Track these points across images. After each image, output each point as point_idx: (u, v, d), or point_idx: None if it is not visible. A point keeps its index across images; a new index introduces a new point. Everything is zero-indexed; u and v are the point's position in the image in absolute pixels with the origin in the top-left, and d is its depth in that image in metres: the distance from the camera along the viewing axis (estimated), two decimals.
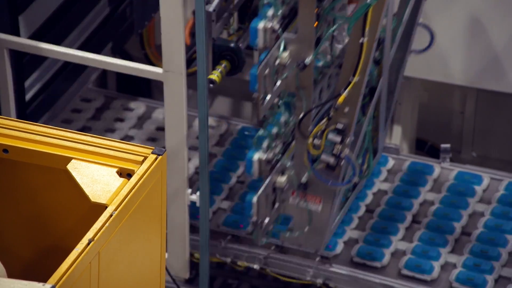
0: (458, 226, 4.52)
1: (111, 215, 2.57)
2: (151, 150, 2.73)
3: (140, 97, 5.26)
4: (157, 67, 4.07)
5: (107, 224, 2.55)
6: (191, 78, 4.19)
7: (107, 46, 4.71)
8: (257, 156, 3.82)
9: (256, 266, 4.44)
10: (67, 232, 2.78)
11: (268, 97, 3.74)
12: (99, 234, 2.53)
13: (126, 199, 2.62)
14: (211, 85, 3.93)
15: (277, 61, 3.76)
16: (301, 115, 3.78)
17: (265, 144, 3.84)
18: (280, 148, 3.89)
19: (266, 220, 3.94)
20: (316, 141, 3.78)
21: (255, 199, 3.84)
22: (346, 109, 3.74)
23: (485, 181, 4.70)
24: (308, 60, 3.68)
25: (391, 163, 4.82)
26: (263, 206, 3.89)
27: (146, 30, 5.16)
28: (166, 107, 4.02)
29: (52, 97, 4.43)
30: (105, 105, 5.16)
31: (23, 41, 4.07)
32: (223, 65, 4.02)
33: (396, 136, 5.29)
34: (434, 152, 5.35)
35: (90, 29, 4.58)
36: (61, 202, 2.75)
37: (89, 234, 2.52)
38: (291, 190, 3.92)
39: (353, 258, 4.40)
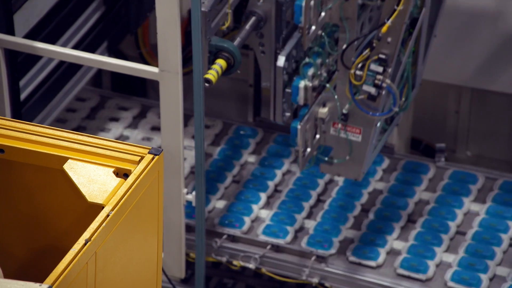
0: (453, 225, 4.52)
1: (108, 215, 2.57)
2: (148, 150, 2.72)
3: (135, 96, 5.26)
4: (152, 66, 4.07)
5: (103, 224, 2.54)
6: (186, 77, 4.19)
7: (102, 45, 4.70)
8: (303, 83, 3.97)
9: (251, 266, 4.44)
10: (63, 232, 2.77)
11: (313, 28, 3.88)
12: (95, 234, 2.52)
13: (123, 199, 2.61)
14: (207, 84, 3.92)
15: None
16: (344, 46, 3.91)
17: (310, 72, 3.99)
18: (325, 77, 4.06)
19: (308, 150, 4.08)
20: (358, 72, 3.92)
21: (299, 126, 3.99)
22: (389, 39, 3.86)
23: (480, 181, 4.71)
24: None
25: (386, 162, 4.83)
26: (304, 136, 4.06)
27: (141, 29, 5.15)
28: (162, 107, 4.01)
29: (46, 96, 4.42)
30: (100, 104, 5.15)
31: (18, 40, 4.06)
32: (218, 65, 4.01)
33: (391, 136, 5.29)
34: (429, 151, 5.35)
35: (85, 28, 4.57)
36: (57, 202, 2.74)
37: (86, 234, 2.51)
38: (332, 121, 4.06)
39: (349, 257, 4.40)
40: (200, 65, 3.87)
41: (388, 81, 3.91)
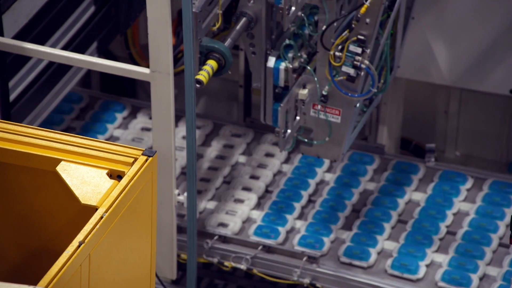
0: (443, 225, 4.54)
1: (101, 217, 2.56)
2: (142, 152, 2.72)
3: (125, 97, 5.24)
4: (142, 66, 4.06)
5: (97, 226, 2.54)
6: (176, 78, 4.18)
7: (92, 46, 4.68)
8: (283, 65, 4.00)
9: (243, 267, 4.44)
10: (56, 234, 2.77)
11: (293, 9, 3.90)
12: (89, 236, 2.51)
13: (117, 201, 2.61)
14: (198, 85, 3.92)
15: None
16: (324, 27, 3.92)
17: (290, 54, 4.02)
18: (305, 59, 4.08)
19: (289, 131, 4.11)
20: (338, 53, 3.94)
21: (280, 108, 4.01)
22: (367, 20, 3.89)
23: (470, 181, 4.73)
24: None
25: (377, 162, 4.84)
26: (284, 117, 4.09)
27: (130, 30, 5.14)
28: (153, 108, 4.01)
29: (36, 97, 4.40)
30: (89, 105, 5.13)
31: (7, 41, 4.04)
32: (209, 66, 4.01)
33: (381, 136, 5.30)
34: (419, 151, 5.37)
35: (74, 29, 4.56)
36: (50, 204, 2.73)
37: (80, 237, 2.50)
38: (312, 102, 4.08)
39: (340, 258, 4.41)
40: (192, 66, 3.87)
41: (366, 62, 3.94)
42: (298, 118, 4.14)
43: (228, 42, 4.07)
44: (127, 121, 5.06)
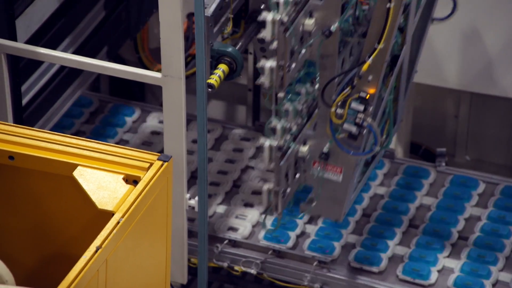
0: (455, 230, 4.53)
1: (118, 222, 2.56)
2: (157, 157, 2.72)
3: (134, 101, 5.24)
4: (151, 70, 4.06)
5: (114, 231, 2.54)
6: (186, 81, 4.17)
7: (102, 50, 4.69)
8: (268, 142, 3.84)
9: (253, 271, 4.43)
10: (71, 239, 2.76)
11: (293, 65, 3.75)
12: (106, 241, 2.51)
13: (133, 206, 2.61)
14: (210, 89, 3.91)
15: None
16: (325, 84, 3.79)
17: (278, 130, 3.84)
18: (291, 137, 3.93)
19: (288, 190, 3.97)
20: (339, 110, 3.80)
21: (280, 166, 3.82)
22: (370, 77, 3.76)
23: (481, 186, 4.72)
24: (333, 27, 3.69)
25: (387, 166, 4.83)
26: (284, 175, 3.91)
27: (140, 34, 5.14)
28: (165, 112, 4.00)
29: (48, 101, 4.41)
30: (99, 109, 5.13)
31: (20, 46, 4.05)
32: (221, 70, 4.00)
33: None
34: (429, 156, 5.36)
35: (85, 33, 4.56)
36: (66, 209, 2.73)
37: (97, 242, 2.50)
38: (312, 160, 3.95)
39: (351, 262, 4.40)
40: (204, 70, 3.86)
41: (369, 119, 3.79)
42: (298, 175, 3.98)
43: (239, 46, 4.07)
44: (137, 125, 5.06)
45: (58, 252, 2.77)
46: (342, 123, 3.82)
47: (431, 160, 4.94)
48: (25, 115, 4.25)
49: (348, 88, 3.80)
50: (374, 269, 4.37)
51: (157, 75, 3.97)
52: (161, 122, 5.03)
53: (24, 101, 4.24)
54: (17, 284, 2.58)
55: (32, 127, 2.80)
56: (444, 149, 4.83)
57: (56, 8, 4.36)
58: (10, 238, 2.79)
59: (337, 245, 4.46)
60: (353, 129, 3.81)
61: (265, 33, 3.62)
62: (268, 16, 3.61)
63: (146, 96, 5.65)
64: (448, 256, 4.42)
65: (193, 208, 4.15)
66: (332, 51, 3.75)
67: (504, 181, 4.74)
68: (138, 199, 2.62)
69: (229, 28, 4.07)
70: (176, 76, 3.93)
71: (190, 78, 4.54)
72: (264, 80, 3.70)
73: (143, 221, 2.65)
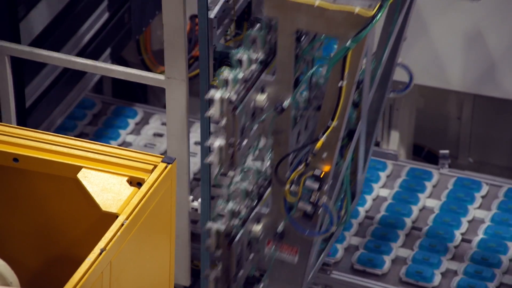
0: (458, 233, 4.52)
1: (122, 224, 2.56)
2: (161, 159, 2.72)
3: (137, 103, 5.24)
4: (154, 72, 4.05)
5: (118, 233, 2.54)
6: (189, 83, 4.17)
7: (105, 52, 4.69)
8: (215, 226, 3.67)
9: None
10: (75, 241, 2.76)
11: (245, 142, 3.58)
12: (110, 243, 2.51)
13: (137, 208, 2.61)
14: None
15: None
16: (278, 160, 3.57)
17: (226, 214, 3.67)
18: (239, 222, 3.71)
19: (241, 272, 3.79)
20: (293, 188, 3.57)
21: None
22: (325, 155, 3.53)
23: (485, 188, 4.71)
24: (286, 103, 3.51)
25: (390, 169, 4.83)
26: (236, 255, 3.70)
27: (142, 36, 5.14)
28: (168, 114, 4.00)
29: (51, 103, 4.41)
30: (102, 111, 5.13)
31: (24, 48, 4.05)
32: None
33: (393, 142, 5.29)
34: (432, 158, 5.36)
35: (89, 35, 4.56)
36: (70, 211, 2.73)
37: (101, 244, 2.50)
38: (266, 239, 3.72)
39: (354, 265, 4.39)
40: (207, 73, 3.86)
41: (325, 198, 3.57)
42: (251, 256, 3.77)
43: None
44: (139, 127, 5.06)
45: (62, 254, 2.77)
46: (297, 201, 3.60)
47: (434, 162, 4.94)
48: (29, 117, 4.25)
49: (302, 165, 3.57)
50: (377, 271, 4.37)
51: (160, 77, 3.97)
52: (163, 124, 5.03)
53: (28, 103, 4.24)
54: (22, 286, 2.58)
55: (36, 129, 2.79)
56: (447, 151, 4.83)
57: (59, 10, 4.36)
58: (14, 240, 2.79)
59: (340, 247, 4.45)
60: (308, 208, 3.58)
61: (213, 111, 3.47)
62: (216, 94, 3.47)
63: (149, 98, 5.65)
64: (451, 259, 4.42)
65: (196, 210, 4.15)
66: (285, 127, 3.55)
67: (508, 183, 4.73)
68: (142, 201, 2.62)
69: (232, 30, 4.07)
70: (179, 78, 3.93)
71: (193, 80, 4.54)
72: (212, 159, 3.52)
73: (147, 223, 2.64)
